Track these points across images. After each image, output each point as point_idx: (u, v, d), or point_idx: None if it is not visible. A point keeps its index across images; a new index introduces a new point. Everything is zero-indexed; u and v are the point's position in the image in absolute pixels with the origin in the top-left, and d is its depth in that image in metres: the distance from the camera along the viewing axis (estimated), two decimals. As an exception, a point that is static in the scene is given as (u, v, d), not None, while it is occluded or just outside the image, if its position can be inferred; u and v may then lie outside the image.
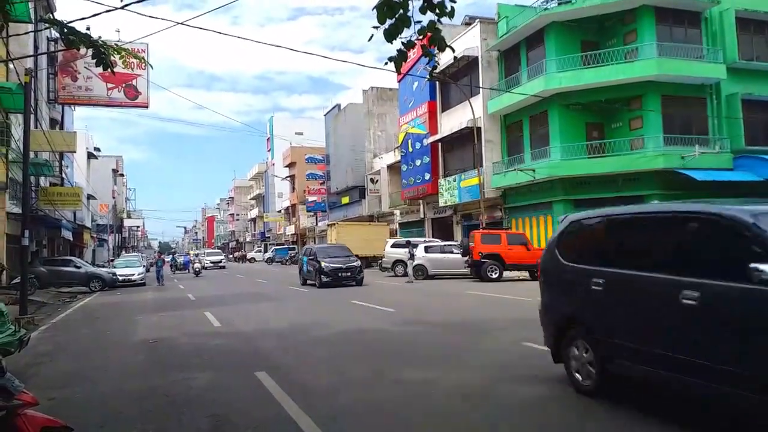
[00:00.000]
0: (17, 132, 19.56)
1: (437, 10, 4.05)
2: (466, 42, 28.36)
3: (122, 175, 73.12)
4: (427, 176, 32.48)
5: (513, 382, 6.01)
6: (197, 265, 35.41)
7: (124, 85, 29.19)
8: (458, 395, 5.56)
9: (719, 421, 4.54)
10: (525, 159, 25.22)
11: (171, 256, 49.38)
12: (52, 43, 28.15)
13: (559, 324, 5.76)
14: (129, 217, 79.91)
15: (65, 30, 5.30)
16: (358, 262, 21.14)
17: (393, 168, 39.86)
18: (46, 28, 24.20)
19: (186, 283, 27.57)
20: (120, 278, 26.39)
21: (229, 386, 6.25)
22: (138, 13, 7.99)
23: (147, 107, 30.53)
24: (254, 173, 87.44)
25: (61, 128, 31.80)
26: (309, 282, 21.96)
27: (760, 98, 22.99)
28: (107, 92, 29.31)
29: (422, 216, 35.53)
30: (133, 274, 27.23)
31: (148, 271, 31.30)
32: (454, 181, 29.13)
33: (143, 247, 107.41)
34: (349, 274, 20.49)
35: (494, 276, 20.35)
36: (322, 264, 20.34)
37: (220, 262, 50.66)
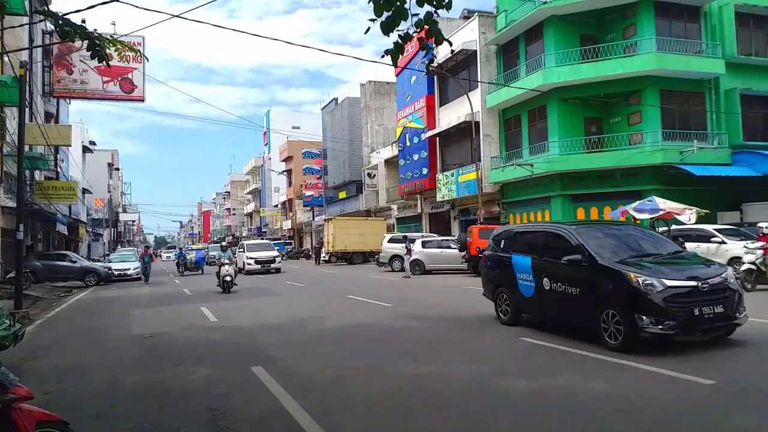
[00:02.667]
0: (12, 125, 19.45)
1: (434, 3, 4.01)
2: (464, 36, 28.27)
3: (118, 169, 73.01)
4: (425, 171, 32.43)
5: (510, 376, 6.01)
6: (227, 269, 17.79)
7: (119, 78, 29.01)
8: (455, 389, 5.55)
9: None
10: (523, 154, 25.19)
11: (179, 251, 37.87)
12: (47, 35, 27.98)
13: None
14: (124, 211, 79.77)
15: (60, 22, 5.25)
16: None
17: (390, 162, 39.80)
18: (41, 21, 24.08)
19: (183, 280, 27.46)
20: (115, 273, 26.34)
21: (225, 381, 6.22)
22: (133, 5, 7.90)
23: (143, 101, 30.36)
24: (251, 167, 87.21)
25: (57, 122, 31.65)
26: None
27: (759, 93, 23.00)
28: (103, 85, 29.14)
29: (420, 211, 35.50)
30: (129, 269, 27.18)
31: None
32: (452, 175, 29.08)
33: (139, 241, 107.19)
34: None
35: (492, 271, 20.24)
36: None
37: (274, 261, 28.71)
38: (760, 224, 14.65)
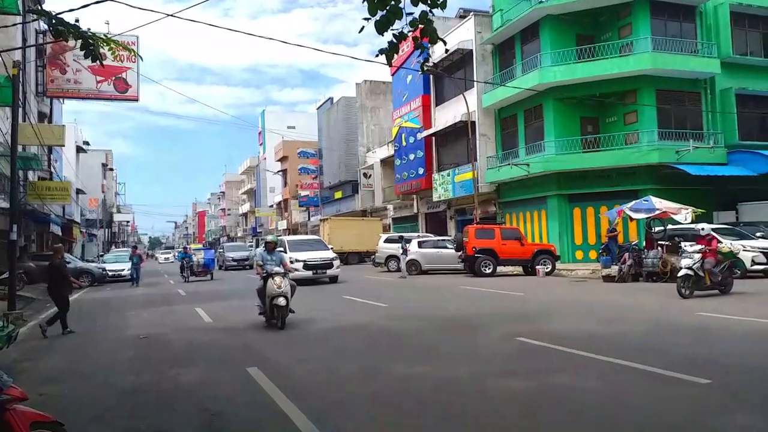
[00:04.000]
0: (5, 125, 19.33)
1: (429, 2, 3.99)
2: (460, 35, 28.28)
3: (112, 169, 72.79)
4: (421, 171, 32.43)
5: (507, 376, 5.98)
6: (279, 285, 9.65)
7: (113, 78, 28.91)
8: (451, 390, 5.52)
9: None
10: (519, 153, 25.22)
11: (182, 251, 29.82)
12: (41, 35, 27.85)
13: None
14: (119, 211, 79.46)
15: (54, 21, 5.21)
16: None
17: (386, 162, 39.78)
18: (34, 20, 23.92)
19: (184, 286, 27.28)
20: (109, 273, 26.20)
21: (220, 381, 6.19)
22: (127, 5, 7.91)
23: (137, 101, 30.28)
24: (246, 167, 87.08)
25: (50, 122, 31.49)
26: None
27: (754, 93, 23.12)
28: (96, 85, 29.03)
29: (416, 211, 35.50)
30: (123, 270, 27.02)
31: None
32: (448, 175, 29.09)
33: (133, 242, 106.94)
34: None
35: (488, 271, 20.34)
36: None
37: (330, 265, 20.00)
38: (698, 225, 13.97)
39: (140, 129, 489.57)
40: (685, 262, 11.87)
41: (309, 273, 19.19)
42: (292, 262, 16.39)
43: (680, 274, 11.78)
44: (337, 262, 20.59)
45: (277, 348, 8.10)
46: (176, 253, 43.90)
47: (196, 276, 25.15)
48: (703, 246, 11.98)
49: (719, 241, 12.79)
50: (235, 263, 32.39)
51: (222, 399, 5.45)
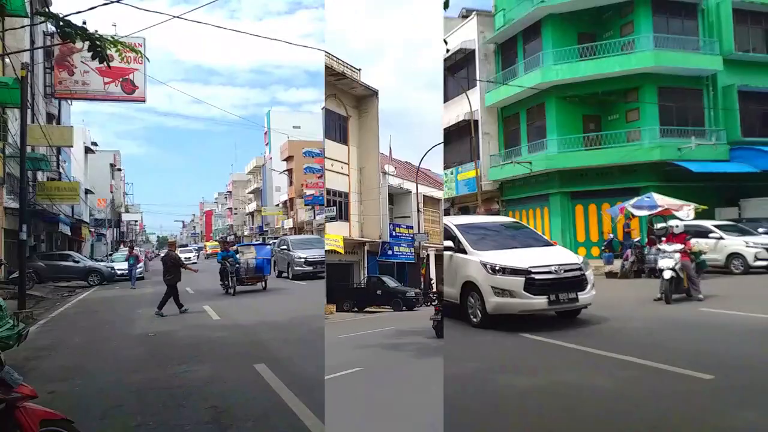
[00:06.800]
0: (14, 127, 19.55)
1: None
2: (463, 35, 28.29)
3: (120, 169, 73.05)
4: (425, 169, 32.45)
5: (511, 372, 6.07)
6: None
7: (120, 79, 29.08)
8: (456, 386, 5.60)
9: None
10: (522, 152, 25.23)
11: (224, 249, 19.29)
12: (49, 37, 28.06)
13: None
14: (127, 211, 79.73)
15: (61, 23, 5.32)
16: None
17: (390, 161, 39.78)
18: (41, 22, 24.13)
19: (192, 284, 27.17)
20: (118, 272, 26.35)
21: (228, 378, 6.30)
22: (133, 6, 8.05)
23: (144, 101, 30.46)
24: (252, 167, 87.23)
25: (58, 123, 31.73)
26: None
27: (757, 89, 23.00)
28: (104, 86, 29.21)
29: (420, 209, 35.52)
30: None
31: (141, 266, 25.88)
32: (452, 174, 29.14)
33: (141, 241, 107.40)
34: None
35: (491, 268, 20.31)
36: None
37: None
38: (671, 222, 13.00)
39: (148, 130, 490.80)
40: (665, 262, 10.74)
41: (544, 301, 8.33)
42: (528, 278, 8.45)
43: (667, 277, 10.55)
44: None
45: (284, 345, 8.21)
46: (213, 252, 38.90)
47: (243, 284, 18.02)
48: (683, 246, 11.04)
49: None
50: (310, 268, 22.00)
51: (230, 395, 5.56)
